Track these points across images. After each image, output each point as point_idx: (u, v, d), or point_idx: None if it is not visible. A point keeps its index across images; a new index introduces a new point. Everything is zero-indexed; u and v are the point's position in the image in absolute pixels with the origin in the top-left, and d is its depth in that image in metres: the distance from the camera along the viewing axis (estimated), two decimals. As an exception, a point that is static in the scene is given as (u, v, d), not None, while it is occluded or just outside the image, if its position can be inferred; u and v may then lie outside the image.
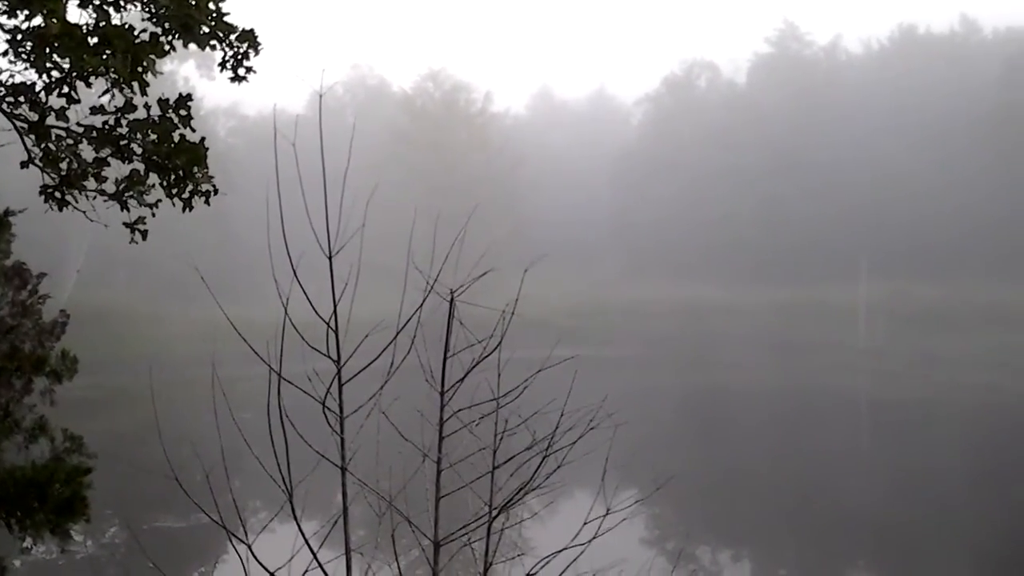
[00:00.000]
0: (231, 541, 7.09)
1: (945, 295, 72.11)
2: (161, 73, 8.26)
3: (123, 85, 7.78)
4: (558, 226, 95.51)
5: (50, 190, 8.57)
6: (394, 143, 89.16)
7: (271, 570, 6.86)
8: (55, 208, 8.63)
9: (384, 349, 6.85)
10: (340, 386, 6.76)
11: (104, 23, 7.77)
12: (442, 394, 6.99)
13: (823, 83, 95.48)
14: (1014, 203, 76.84)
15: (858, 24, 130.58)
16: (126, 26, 7.77)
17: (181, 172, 7.96)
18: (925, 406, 54.71)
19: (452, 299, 6.79)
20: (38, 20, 7.54)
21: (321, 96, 7.13)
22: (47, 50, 7.64)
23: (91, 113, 8.27)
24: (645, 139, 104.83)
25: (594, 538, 7.34)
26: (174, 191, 8.07)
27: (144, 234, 8.49)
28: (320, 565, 6.90)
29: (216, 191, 8.17)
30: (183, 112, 7.96)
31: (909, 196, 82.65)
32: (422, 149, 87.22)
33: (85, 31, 7.74)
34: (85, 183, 8.48)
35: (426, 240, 8.48)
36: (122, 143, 8.11)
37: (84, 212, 8.61)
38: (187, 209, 8.14)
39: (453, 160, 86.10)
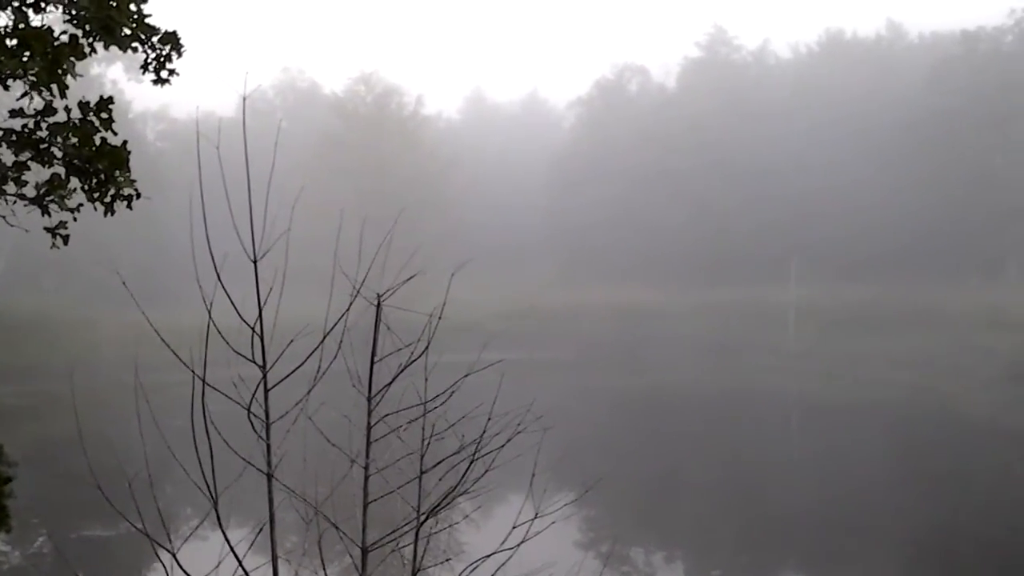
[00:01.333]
0: (155, 550, 7.00)
1: (874, 297, 72.93)
2: (81, 75, 8.13)
3: (42, 88, 7.64)
4: (492, 229, 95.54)
5: (-32, 195, 8.40)
6: (325, 147, 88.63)
7: (196, 578, 6.77)
8: (-27, 213, 8.45)
9: (310, 354, 6.79)
10: (266, 392, 6.69)
11: (23, 25, 7.63)
12: (369, 399, 6.94)
13: (752, 87, 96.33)
14: (940, 205, 78.00)
15: (786, 29, 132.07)
16: (45, 28, 7.63)
17: (103, 176, 7.82)
18: (854, 406, 55.40)
19: (379, 303, 6.75)
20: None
21: (244, 99, 7.05)
22: (-36, 52, 7.50)
23: (10, 116, 8.13)
24: (578, 142, 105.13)
25: (523, 542, 7.31)
26: (96, 195, 7.94)
27: (66, 239, 8.35)
28: (246, 572, 6.83)
29: (139, 195, 8.05)
30: (104, 115, 7.83)
31: (838, 199, 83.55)
32: (354, 153, 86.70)
33: (3, 33, 7.60)
34: (4, 187, 8.32)
35: (355, 244, 8.42)
36: (42, 146, 7.96)
37: (3, 217, 8.45)
38: (109, 213, 8.00)
39: (385, 164, 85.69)
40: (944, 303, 68.41)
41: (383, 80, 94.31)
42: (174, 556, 6.84)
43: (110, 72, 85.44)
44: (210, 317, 6.59)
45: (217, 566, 6.83)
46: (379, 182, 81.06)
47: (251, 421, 6.68)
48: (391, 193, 75.20)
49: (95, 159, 7.74)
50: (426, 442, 7.03)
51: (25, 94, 7.75)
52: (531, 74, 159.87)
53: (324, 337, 6.81)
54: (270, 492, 6.74)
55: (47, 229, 8.34)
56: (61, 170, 7.99)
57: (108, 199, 7.96)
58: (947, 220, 77.31)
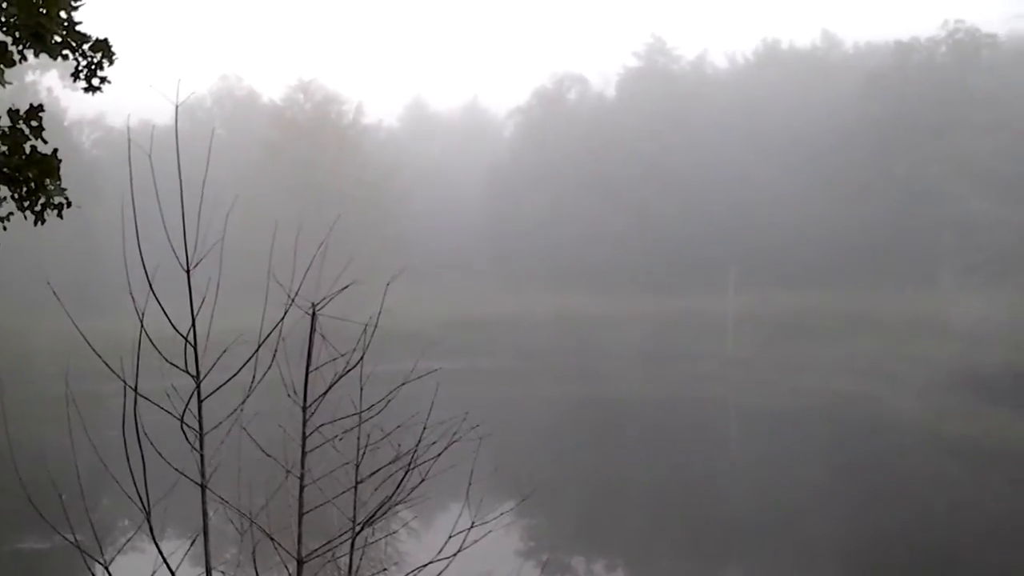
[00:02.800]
0: (87, 562, 6.91)
1: (811, 305, 73.60)
2: (11, 83, 8.02)
3: (-30, 95, 7.54)
4: (432, 237, 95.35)
5: None
6: (264, 155, 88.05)
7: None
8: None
9: (244, 364, 6.75)
10: (199, 402, 6.63)
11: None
12: (304, 409, 6.91)
13: (691, 97, 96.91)
14: (876, 214, 78.85)
15: (724, 39, 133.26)
16: (-27, 35, 7.54)
17: (33, 184, 7.72)
18: (791, 414, 55.82)
19: (314, 312, 6.72)
20: None
21: (177, 107, 6.99)
22: None
23: (-62, 124, 8.00)
24: (518, 151, 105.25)
25: (459, 551, 7.31)
26: (25, 204, 7.83)
27: (-6, 248, 8.24)
28: (179, 584, 6.76)
29: (69, 204, 7.95)
30: (35, 123, 7.72)
31: (776, 208, 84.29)
32: (292, 161, 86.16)
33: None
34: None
35: (293, 253, 8.37)
36: (-29, 155, 7.85)
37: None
38: (39, 222, 7.90)
39: (324, 172, 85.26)
40: (880, 311, 69.15)
41: (322, 88, 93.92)
42: (107, 569, 6.77)
43: (45, 79, 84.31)
44: (142, 327, 6.53)
45: (150, 577, 6.76)
46: (318, 191, 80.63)
47: (184, 431, 6.62)
48: (330, 202, 74.82)
49: (24, 167, 7.63)
50: (362, 452, 7.01)
51: (-47, 101, 7.65)
52: (471, 83, 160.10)
53: (259, 347, 6.77)
54: (204, 503, 6.69)
55: (-23, 239, 8.23)
56: (-10, 179, 7.88)
57: (38, 208, 7.85)
58: (882, 229, 78.16)
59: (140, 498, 6.59)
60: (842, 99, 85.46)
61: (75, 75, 7.89)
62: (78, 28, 7.63)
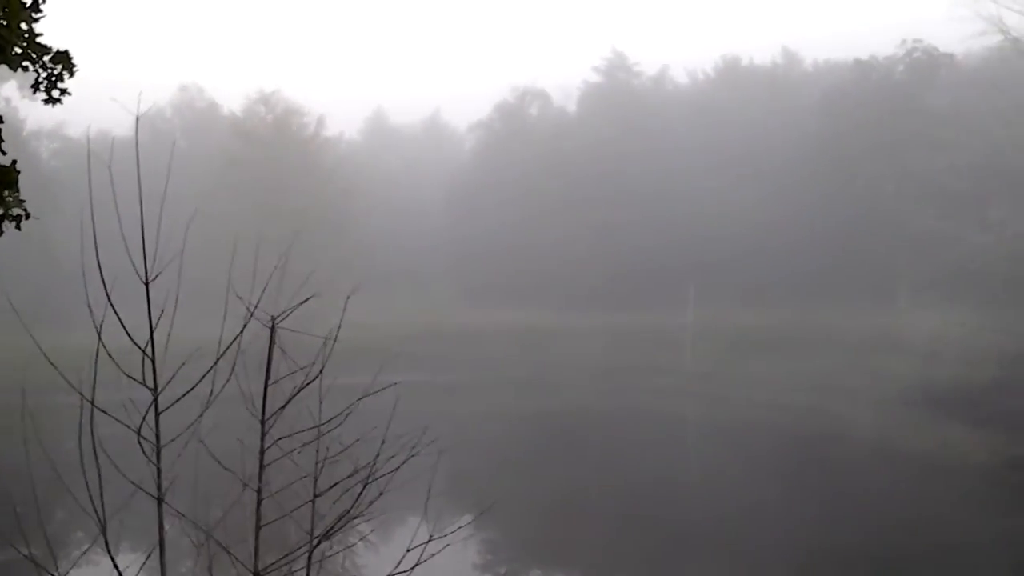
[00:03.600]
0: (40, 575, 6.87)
1: (770, 320, 73.92)
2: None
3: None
4: (393, 251, 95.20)
5: None
6: (224, 167, 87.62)
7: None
8: None
9: (203, 377, 6.74)
10: (156, 415, 6.61)
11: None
12: (263, 422, 6.90)
13: (651, 112, 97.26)
14: (834, 230, 79.44)
15: (684, 55, 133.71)
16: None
17: (-10, 195, 7.67)
18: (748, 428, 56.14)
19: (273, 326, 6.72)
20: None
21: (138, 119, 6.99)
22: None
23: None
24: (479, 165, 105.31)
25: (417, 564, 7.32)
26: (-17, 215, 7.78)
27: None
28: (134, 598, 6.73)
29: (28, 215, 7.91)
30: (-9, 134, 7.68)
31: (736, 223, 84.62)
32: (253, 173, 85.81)
33: None
34: None
35: (252, 266, 8.36)
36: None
37: None
38: (-4, 234, 7.85)
39: (285, 185, 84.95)
40: (837, 327, 69.54)
41: (284, 100, 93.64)
42: (61, 582, 6.72)
43: (4, 90, 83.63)
44: (100, 339, 6.51)
45: (105, 591, 6.73)
46: (278, 204, 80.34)
47: (141, 444, 6.60)
48: (290, 215, 74.58)
49: (-18, 178, 7.59)
50: (320, 465, 7.00)
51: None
52: (432, 96, 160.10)
53: (217, 360, 6.76)
54: (160, 516, 6.67)
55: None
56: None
57: (-4, 219, 7.81)
58: (840, 245, 78.70)
59: (96, 511, 6.56)
60: (801, 116, 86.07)
61: (35, 87, 7.86)
62: (39, 40, 7.61)
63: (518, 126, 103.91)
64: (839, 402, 60.08)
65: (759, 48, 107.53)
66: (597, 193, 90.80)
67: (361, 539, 8.13)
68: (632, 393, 68.16)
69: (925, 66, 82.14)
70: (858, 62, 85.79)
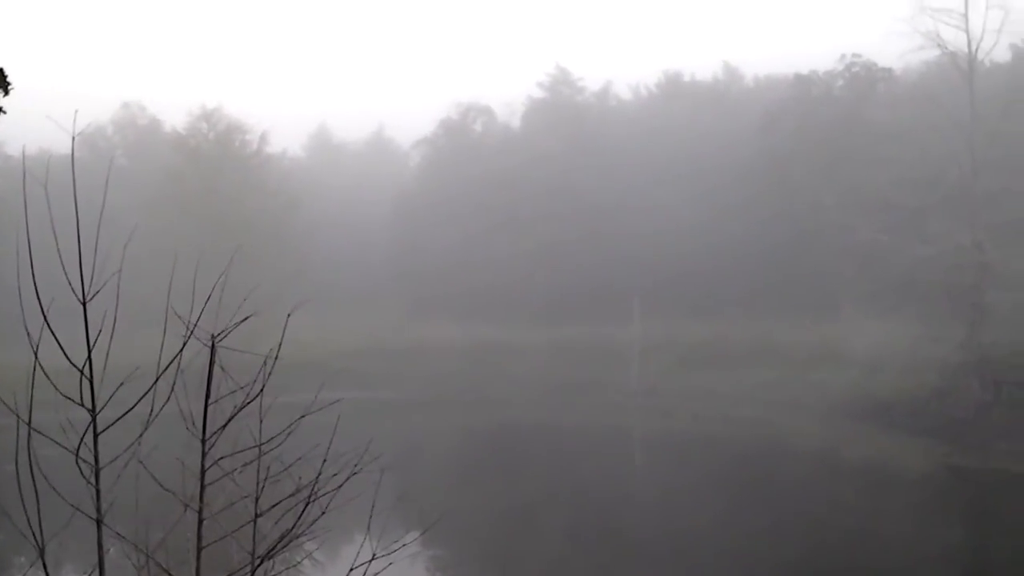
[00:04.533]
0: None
1: (715, 334, 74.33)
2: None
3: None
4: (338, 267, 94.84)
5: None
6: (167, 185, 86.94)
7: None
8: None
9: (142, 397, 6.66)
10: (95, 435, 6.53)
11: None
12: (203, 442, 6.83)
13: (595, 128, 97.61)
14: (776, 244, 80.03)
15: (627, 71, 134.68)
16: None
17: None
18: (695, 442, 56.46)
19: (213, 344, 6.66)
20: None
21: (74, 138, 6.91)
22: None
23: None
24: (424, 181, 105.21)
25: (359, 583, 7.28)
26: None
27: None
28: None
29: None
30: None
31: (680, 238, 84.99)
32: (196, 191, 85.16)
33: None
34: None
35: (197, 283, 8.28)
36: None
37: None
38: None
39: (228, 202, 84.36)
40: (781, 340, 70.12)
41: (226, 117, 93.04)
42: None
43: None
44: (36, 359, 6.43)
45: (44, 615, 6.62)
46: (221, 221, 79.76)
47: (79, 466, 6.52)
48: (233, 232, 74.05)
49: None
50: (261, 484, 6.95)
51: None
52: (376, 112, 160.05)
53: (156, 379, 6.69)
54: (100, 538, 6.58)
55: None
56: None
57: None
58: (784, 259, 79.28)
59: (34, 534, 6.47)
60: (743, 130, 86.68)
61: (-31, 105, 7.77)
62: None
63: (462, 142, 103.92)
64: (784, 414, 60.59)
65: (701, 64, 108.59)
66: (542, 208, 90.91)
67: (306, 557, 8.04)
68: (579, 408, 68.34)
69: (864, 81, 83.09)
70: (798, 77, 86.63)
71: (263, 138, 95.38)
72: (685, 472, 47.81)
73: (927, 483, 44.66)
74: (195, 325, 6.67)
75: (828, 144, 78.34)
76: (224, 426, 6.84)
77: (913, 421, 52.40)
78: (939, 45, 60.61)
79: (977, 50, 59.96)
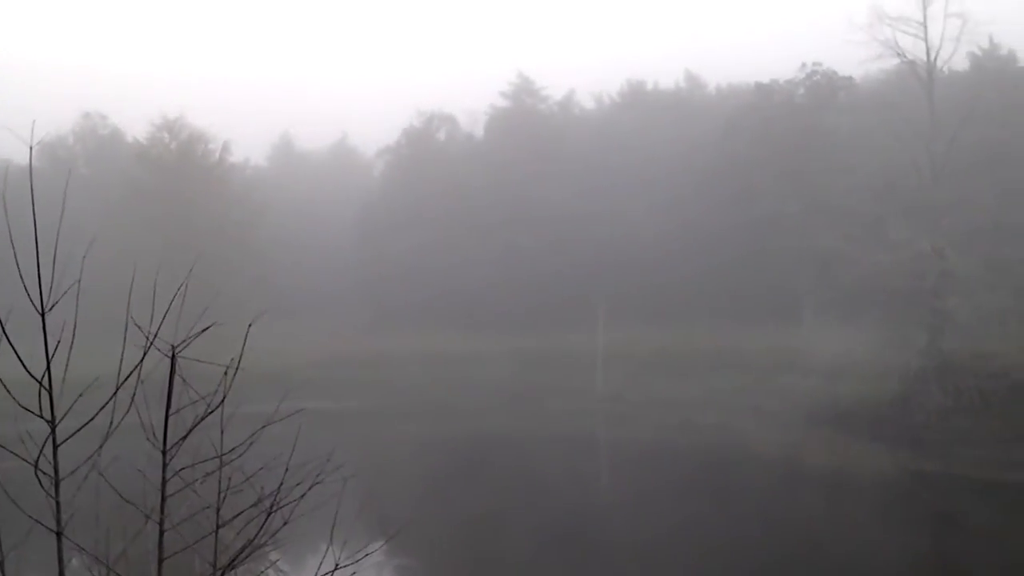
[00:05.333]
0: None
1: (679, 341, 74.48)
2: None
3: None
4: (301, 277, 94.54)
5: None
6: (129, 195, 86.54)
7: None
8: None
9: (101, 408, 6.62)
10: (54, 447, 6.48)
11: None
12: (164, 453, 6.79)
13: (558, 136, 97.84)
14: (739, 251, 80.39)
15: (590, 79, 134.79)
16: None
17: None
18: (659, 448, 56.61)
19: (173, 355, 6.63)
20: None
21: (31, 148, 6.87)
22: None
23: None
24: (387, 190, 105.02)
25: (323, 593, 7.26)
26: None
27: None
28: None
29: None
30: None
31: (644, 245, 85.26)
32: (158, 201, 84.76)
33: None
34: None
35: (159, 293, 8.23)
36: None
37: None
38: None
39: (190, 212, 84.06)
40: (744, 347, 70.38)
41: (188, 126, 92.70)
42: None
43: None
44: (-6, 370, 6.39)
45: (3, 629, 6.56)
46: (183, 231, 79.38)
47: (38, 478, 6.47)
48: (196, 242, 73.64)
49: None
50: (222, 495, 6.92)
51: None
52: (339, 121, 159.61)
53: (116, 390, 6.64)
54: (60, 551, 6.53)
55: None
56: None
57: None
58: (746, 266, 79.62)
59: (-8, 547, 6.41)
60: (706, 139, 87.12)
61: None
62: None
63: (426, 151, 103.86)
64: (747, 421, 60.82)
65: (663, 73, 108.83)
66: (506, 216, 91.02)
67: (269, 567, 8.01)
68: (544, 416, 68.35)
69: (825, 89, 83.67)
70: (759, 86, 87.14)
71: (225, 147, 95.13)
72: (648, 478, 47.94)
73: (889, 489, 44.93)
74: (155, 335, 6.63)
75: (790, 152, 78.80)
76: (185, 437, 6.80)
77: (875, 427, 52.72)
78: (898, 54, 61.18)
79: (936, 58, 60.61)
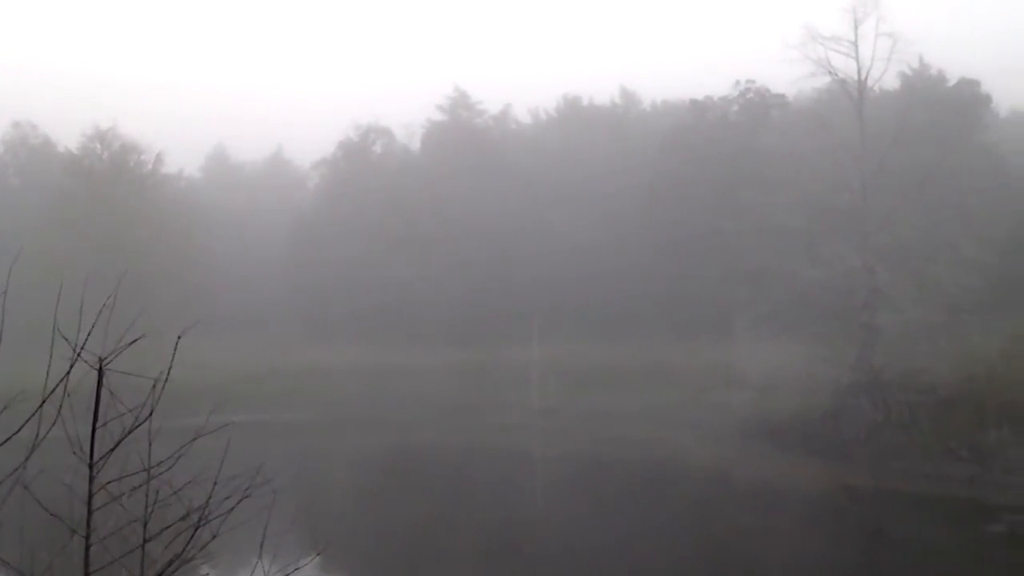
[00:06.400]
0: None
1: (615, 355, 74.78)
2: None
3: None
4: (236, 289, 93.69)
5: None
6: (61, 206, 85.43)
7: None
8: None
9: (26, 421, 6.54)
10: (-22, 462, 6.41)
11: None
12: (91, 466, 6.72)
13: (494, 150, 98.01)
14: (675, 267, 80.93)
15: (527, 94, 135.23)
16: None
17: None
18: (594, 461, 56.78)
19: (100, 367, 6.55)
20: None
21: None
22: None
23: None
24: (322, 203, 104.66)
25: (251, 607, 7.21)
26: None
27: None
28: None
29: None
30: None
31: (580, 260, 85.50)
32: (90, 212, 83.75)
33: None
34: None
35: (89, 305, 8.13)
36: None
37: None
38: None
39: (122, 223, 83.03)
40: (680, 362, 70.83)
41: (121, 137, 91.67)
42: None
43: None
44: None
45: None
46: (115, 242, 78.44)
47: (-39, 493, 6.39)
48: (127, 253, 72.92)
49: None
50: (149, 509, 6.85)
51: None
52: (274, 133, 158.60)
53: (42, 403, 6.56)
54: (-18, 566, 6.45)
55: None
56: None
57: None
58: (680, 281, 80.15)
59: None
60: (641, 154, 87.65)
61: None
62: None
63: (362, 163, 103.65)
64: (682, 435, 61.20)
65: (599, 89, 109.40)
66: (442, 230, 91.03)
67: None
68: (478, 429, 68.33)
69: (758, 106, 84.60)
70: (694, 103, 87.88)
71: (158, 158, 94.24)
72: (582, 492, 48.07)
73: (820, 502, 45.41)
74: (82, 347, 6.55)
75: (724, 168, 79.47)
76: (112, 450, 6.72)
77: (807, 441, 53.23)
78: (830, 72, 61.89)
79: (867, 77, 61.41)
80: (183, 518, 6.96)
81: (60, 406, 6.71)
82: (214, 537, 6.98)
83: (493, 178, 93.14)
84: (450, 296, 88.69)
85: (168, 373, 6.95)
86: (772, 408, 57.37)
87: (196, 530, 6.87)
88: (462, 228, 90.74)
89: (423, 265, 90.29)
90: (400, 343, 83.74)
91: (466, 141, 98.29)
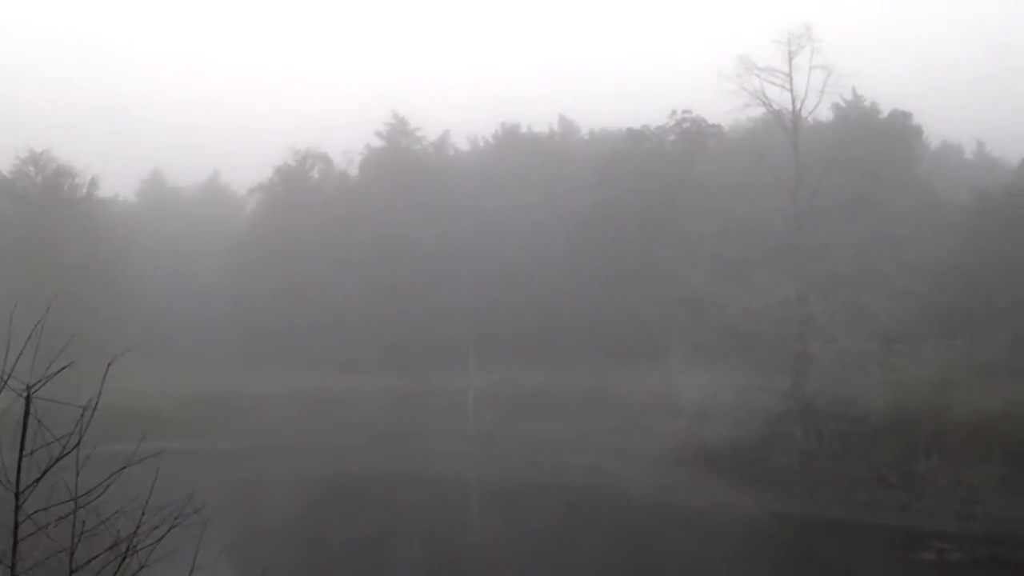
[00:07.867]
0: None
1: (551, 382, 74.87)
2: None
3: None
4: (171, 315, 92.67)
5: None
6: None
7: None
8: None
9: (-49, 450, 6.47)
10: (-97, 491, 6.31)
11: None
12: (17, 495, 6.65)
13: (432, 177, 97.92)
14: (609, 294, 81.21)
15: (465, 121, 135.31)
16: None
17: None
18: (531, 489, 56.81)
19: (28, 395, 6.50)
20: None
21: None
22: None
23: None
24: (259, 228, 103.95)
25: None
26: None
27: None
28: None
29: None
30: None
31: (517, 287, 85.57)
32: (22, 236, 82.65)
33: None
34: None
35: (18, 331, 8.06)
36: None
37: None
38: None
39: (54, 247, 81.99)
40: (616, 388, 71.01)
41: (54, 160, 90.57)
42: None
43: None
44: None
45: None
46: (47, 266, 77.42)
47: None
48: (60, 278, 71.97)
49: None
50: (76, 539, 6.78)
51: None
52: (211, 158, 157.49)
53: (-33, 432, 6.50)
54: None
55: None
56: None
57: None
58: (617, 309, 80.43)
59: None
60: (579, 182, 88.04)
61: None
62: None
63: (299, 189, 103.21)
64: (617, 461, 61.37)
65: (538, 117, 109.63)
66: (379, 256, 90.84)
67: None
68: (414, 456, 68.14)
69: (694, 136, 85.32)
70: (631, 131, 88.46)
71: (93, 182, 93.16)
72: (522, 519, 48.05)
73: (752, 529, 45.74)
74: (9, 375, 6.49)
75: (660, 196, 79.99)
76: (39, 479, 6.67)
77: (741, 468, 53.60)
78: (765, 103, 62.66)
79: (801, 109, 62.23)
80: (110, 548, 6.89)
81: (-14, 435, 6.65)
82: (142, 567, 6.92)
83: (431, 205, 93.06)
84: (387, 322, 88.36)
85: (98, 400, 6.88)
86: (707, 435, 57.69)
87: (124, 560, 6.81)
88: (399, 254, 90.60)
89: (360, 290, 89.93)
90: (337, 368, 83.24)
91: (404, 167, 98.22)
